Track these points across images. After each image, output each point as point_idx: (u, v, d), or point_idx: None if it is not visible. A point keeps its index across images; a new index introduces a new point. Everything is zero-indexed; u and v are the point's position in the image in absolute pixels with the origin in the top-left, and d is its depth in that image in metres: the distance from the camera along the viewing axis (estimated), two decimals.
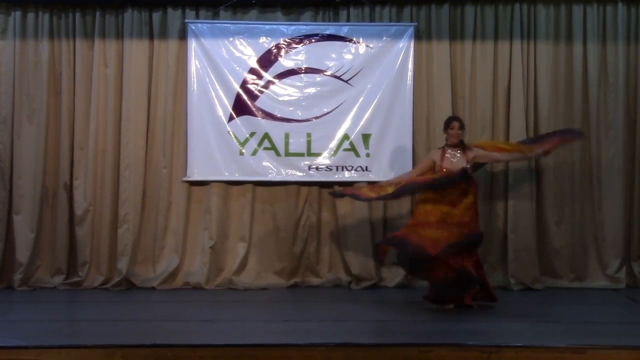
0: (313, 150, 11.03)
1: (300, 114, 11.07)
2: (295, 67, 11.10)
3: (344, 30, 11.10)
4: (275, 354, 7.44)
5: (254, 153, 10.97)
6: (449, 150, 9.76)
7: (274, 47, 11.09)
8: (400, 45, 11.03)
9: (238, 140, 10.96)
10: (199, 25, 11.01)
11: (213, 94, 10.99)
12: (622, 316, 9.61)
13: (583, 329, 8.52)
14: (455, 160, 9.67)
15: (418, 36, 11.08)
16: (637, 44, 11.13)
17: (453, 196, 9.46)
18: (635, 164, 11.11)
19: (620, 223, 11.02)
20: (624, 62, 11.06)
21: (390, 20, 11.14)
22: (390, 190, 9.61)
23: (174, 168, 11.04)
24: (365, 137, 11.00)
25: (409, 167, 10.86)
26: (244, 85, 11.03)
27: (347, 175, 11.02)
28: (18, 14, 10.98)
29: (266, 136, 10.99)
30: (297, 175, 11.04)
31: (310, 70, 11.10)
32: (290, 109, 11.06)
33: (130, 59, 11.02)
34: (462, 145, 9.77)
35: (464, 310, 9.44)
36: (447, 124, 9.87)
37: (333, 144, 11.04)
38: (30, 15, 11.01)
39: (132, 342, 7.69)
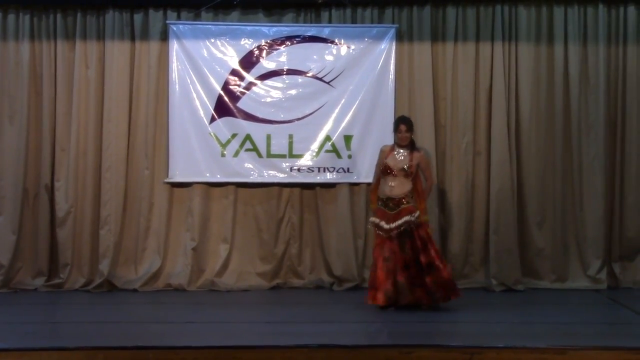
0: (295, 152, 11.03)
1: (282, 115, 11.06)
2: (277, 69, 11.10)
3: (325, 32, 11.11)
4: (257, 356, 7.44)
5: (236, 154, 10.97)
6: (397, 149, 9.81)
7: (255, 49, 11.08)
8: (382, 47, 11.04)
9: (220, 142, 10.95)
10: (181, 26, 11.00)
11: (195, 95, 10.98)
12: (604, 317, 9.66)
13: (564, 330, 8.55)
14: (400, 159, 9.72)
15: (400, 37, 11.10)
16: (618, 45, 11.18)
17: None
18: (616, 164, 11.15)
19: (601, 224, 11.06)
20: (604, 64, 11.09)
21: (372, 22, 11.15)
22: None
23: (155, 169, 11.02)
24: (347, 139, 11.01)
25: None
26: (225, 86, 11.02)
27: (329, 177, 11.03)
28: None
29: (248, 137, 10.98)
30: (279, 176, 11.04)
31: (292, 72, 11.10)
32: (272, 110, 11.06)
33: (111, 60, 10.99)
34: (411, 146, 9.82)
35: (446, 312, 9.47)
36: (396, 127, 9.91)
37: (315, 145, 11.04)
38: (11, 17, 10.98)
39: (114, 344, 7.68)
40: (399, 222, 9.53)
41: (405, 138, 9.74)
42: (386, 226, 9.55)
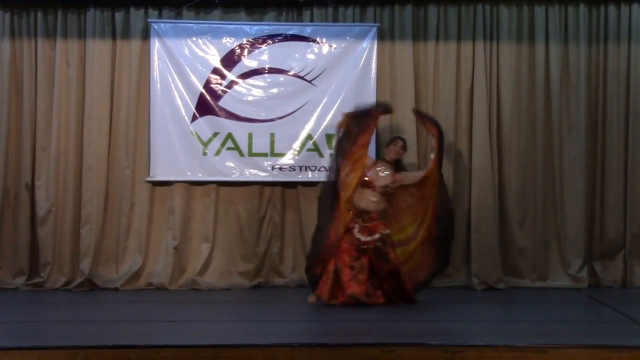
0: (276, 151, 11.03)
1: (263, 114, 11.05)
2: (258, 67, 11.09)
3: (307, 31, 11.11)
4: (239, 355, 7.42)
5: (218, 153, 10.95)
6: (382, 164, 9.92)
7: (237, 47, 11.07)
8: (364, 46, 11.04)
9: (201, 141, 10.93)
10: (162, 24, 10.98)
11: (176, 93, 10.96)
12: (584, 315, 9.69)
13: (545, 329, 8.57)
14: (382, 175, 9.84)
15: (381, 36, 11.11)
16: (599, 45, 11.21)
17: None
18: (597, 164, 11.19)
19: (582, 223, 11.09)
20: (585, 63, 11.13)
21: (354, 21, 11.15)
22: None
23: (137, 168, 11.00)
24: (329, 138, 10.98)
25: None
26: (207, 85, 11.00)
27: (310, 176, 11.02)
28: None
29: (229, 136, 10.96)
30: (261, 175, 11.03)
31: (273, 71, 11.09)
32: (254, 109, 11.04)
33: (92, 58, 10.97)
34: (397, 165, 9.91)
35: (427, 311, 9.50)
36: (392, 140, 10.11)
37: (296, 144, 11.04)
38: None
39: (94, 343, 7.64)
40: (375, 236, 9.64)
41: (397, 152, 9.96)
42: (363, 238, 9.62)
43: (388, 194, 9.79)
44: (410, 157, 10.83)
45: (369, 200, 9.70)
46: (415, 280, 9.89)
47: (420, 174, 10.06)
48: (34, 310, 10.03)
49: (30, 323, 9.20)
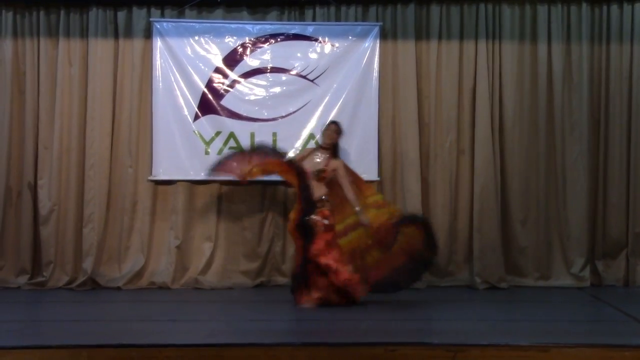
0: (279, 150, 11.01)
1: (265, 113, 11.06)
2: (260, 67, 11.09)
3: (309, 30, 11.11)
4: (241, 354, 7.43)
5: (220, 152, 10.92)
6: (318, 151, 9.96)
7: (239, 47, 11.07)
8: (366, 45, 11.04)
9: (204, 140, 10.93)
10: (164, 24, 10.98)
11: (178, 92, 10.96)
12: (587, 315, 9.70)
13: (548, 328, 8.56)
14: (316, 162, 9.88)
15: (384, 36, 11.10)
16: (601, 44, 11.21)
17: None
18: (600, 163, 11.18)
19: (584, 222, 11.09)
20: (588, 62, 11.13)
21: (356, 20, 11.15)
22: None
23: (139, 167, 11.00)
24: None
25: (374, 166, 10.97)
26: (209, 84, 11.00)
27: None
28: None
29: (232, 135, 10.96)
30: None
31: (275, 70, 11.09)
32: (256, 108, 11.05)
33: (95, 58, 10.97)
34: (332, 152, 9.89)
35: (430, 310, 9.51)
36: (327, 125, 10.12)
37: (299, 143, 11.03)
38: None
39: (97, 342, 7.64)
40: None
41: (329, 136, 9.96)
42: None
43: (324, 178, 9.76)
44: (412, 157, 10.87)
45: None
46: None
47: (355, 203, 9.78)
48: (37, 309, 10.03)
49: (33, 322, 9.21)
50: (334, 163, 9.86)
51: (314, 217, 9.60)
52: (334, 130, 9.97)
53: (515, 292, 10.82)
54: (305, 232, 9.57)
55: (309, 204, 9.59)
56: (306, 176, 9.67)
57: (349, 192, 9.79)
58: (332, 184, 9.82)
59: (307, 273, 9.57)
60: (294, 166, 9.81)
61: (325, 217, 9.65)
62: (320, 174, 9.74)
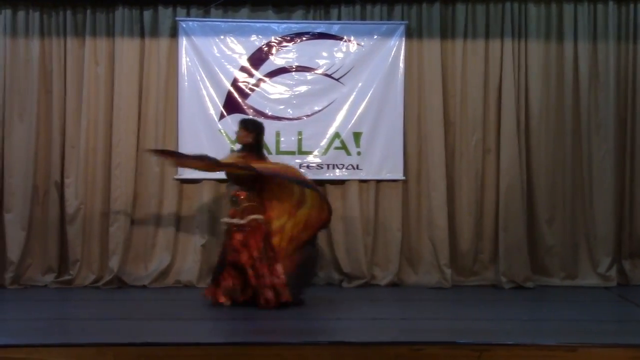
0: (304, 149, 11.04)
1: (291, 112, 11.07)
2: (286, 66, 11.09)
3: (335, 29, 11.10)
4: (267, 353, 7.43)
5: None
6: (240, 153, 9.85)
7: (265, 46, 11.08)
8: (391, 44, 11.03)
9: (229, 139, 10.93)
10: (190, 23, 11.01)
11: (204, 92, 10.99)
12: (614, 314, 9.65)
13: (574, 327, 8.53)
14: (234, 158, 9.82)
15: (409, 34, 11.09)
16: (628, 42, 11.15)
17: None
18: (626, 162, 11.13)
19: (611, 221, 11.03)
20: (614, 61, 11.07)
21: (381, 19, 11.13)
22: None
23: (165, 166, 11.01)
24: (356, 136, 11.00)
25: (399, 165, 10.97)
26: (235, 83, 11.02)
27: (338, 174, 11.02)
28: (8, 12, 10.96)
29: None
30: None
31: (301, 69, 11.09)
32: (281, 107, 11.06)
33: (121, 57, 11.00)
34: (249, 150, 9.78)
35: (455, 309, 9.50)
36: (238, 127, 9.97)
37: (324, 142, 11.04)
38: (21, 13, 10.98)
39: (123, 340, 7.66)
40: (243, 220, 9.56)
41: (239, 137, 9.82)
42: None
43: (238, 177, 9.69)
44: (437, 156, 10.87)
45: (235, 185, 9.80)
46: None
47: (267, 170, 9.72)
48: (63, 308, 10.07)
49: (60, 320, 9.23)
50: (247, 161, 9.65)
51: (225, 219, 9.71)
52: (241, 129, 9.81)
53: (542, 291, 10.79)
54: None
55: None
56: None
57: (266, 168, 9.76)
58: (267, 181, 9.70)
59: (222, 269, 9.59)
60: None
61: (233, 217, 9.63)
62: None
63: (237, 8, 11.17)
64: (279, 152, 10.98)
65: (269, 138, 10.86)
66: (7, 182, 10.92)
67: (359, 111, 11.00)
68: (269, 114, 11.02)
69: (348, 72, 11.05)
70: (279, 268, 9.41)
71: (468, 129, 11.06)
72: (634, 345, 7.49)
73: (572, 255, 11.10)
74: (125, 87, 10.98)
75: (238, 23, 11.09)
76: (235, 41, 11.05)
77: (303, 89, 11.09)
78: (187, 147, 10.85)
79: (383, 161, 10.95)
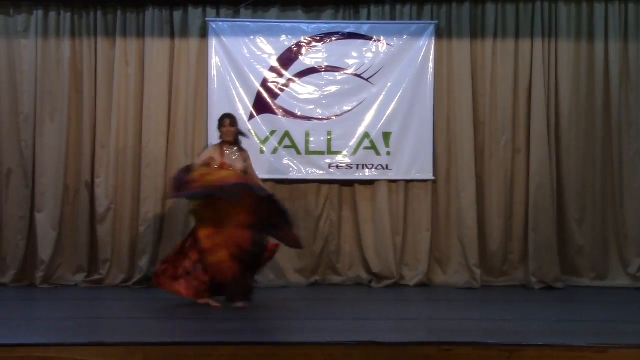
0: (333, 149, 11.04)
1: (320, 112, 11.08)
2: (315, 66, 11.11)
3: (364, 29, 11.10)
4: (296, 352, 7.42)
5: (275, 151, 10.99)
6: (227, 148, 9.73)
7: (294, 46, 11.10)
8: (421, 44, 11.02)
9: (259, 139, 10.96)
10: (220, 23, 11.04)
11: (234, 92, 11.02)
12: None
13: (604, 328, 8.47)
14: (234, 158, 9.69)
15: (439, 34, 11.08)
16: None
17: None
18: None
19: None
20: None
21: (411, 19, 11.13)
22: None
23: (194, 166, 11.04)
24: (386, 136, 11.00)
25: (429, 165, 10.95)
26: (264, 83, 11.04)
27: (367, 174, 11.02)
28: (40, 13, 11.04)
29: (287, 134, 11.00)
30: (318, 173, 11.04)
31: (330, 69, 11.10)
32: (311, 107, 11.07)
33: (151, 57, 11.06)
34: (237, 145, 9.76)
35: (484, 309, 9.48)
36: (220, 122, 9.82)
37: (353, 142, 11.04)
38: (52, 14, 11.06)
39: (153, 339, 7.68)
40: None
41: (229, 133, 9.70)
42: None
43: (245, 172, 9.66)
44: (467, 156, 10.84)
45: None
46: None
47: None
48: (93, 307, 10.09)
49: (90, 319, 9.25)
50: (245, 155, 9.76)
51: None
52: (228, 125, 9.71)
53: (571, 292, 10.74)
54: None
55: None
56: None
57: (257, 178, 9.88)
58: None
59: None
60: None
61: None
62: (245, 170, 9.69)
63: (267, 8, 11.19)
64: (308, 152, 11.00)
65: (298, 138, 10.92)
66: (39, 182, 10.99)
67: (389, 111, 11.00)
68: (299, 114, 11.03)
69: (377, 72, 11.05)
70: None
71: (498, 128, 11.04)
72: None
73: (603, 255, 11.06)
74: (155, 88, 11.03)
75: (267, 23, 11.12)
76: (264, 41, 11.07)
77: (333, 89, 11.09)
78: None
79: (412, 161, 10.94)
